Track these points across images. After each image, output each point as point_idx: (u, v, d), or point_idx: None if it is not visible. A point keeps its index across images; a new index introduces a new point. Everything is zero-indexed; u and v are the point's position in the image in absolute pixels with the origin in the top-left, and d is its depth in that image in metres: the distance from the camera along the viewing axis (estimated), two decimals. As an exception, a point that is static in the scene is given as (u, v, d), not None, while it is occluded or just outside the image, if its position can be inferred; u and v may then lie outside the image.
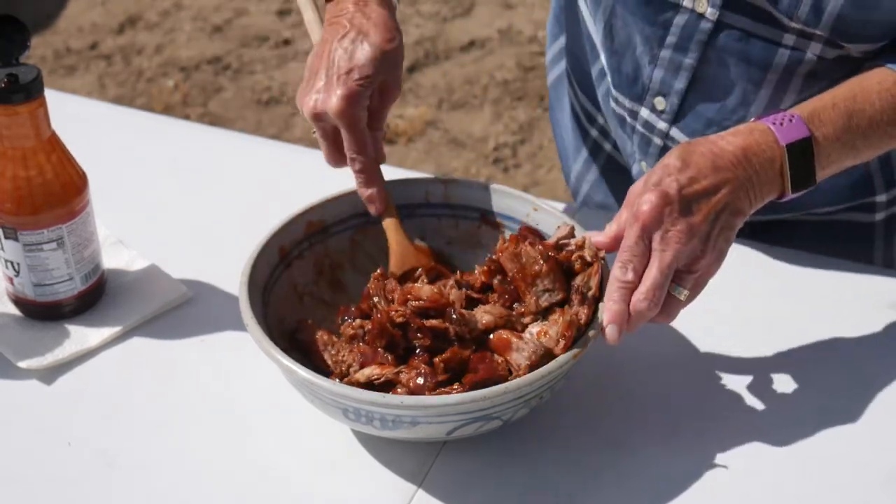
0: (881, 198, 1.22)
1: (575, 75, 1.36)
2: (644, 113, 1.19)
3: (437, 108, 3.09)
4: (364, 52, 1.04)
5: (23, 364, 1.06)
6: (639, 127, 1.21)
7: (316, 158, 1.41)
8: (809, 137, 0.99)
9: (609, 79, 1.23)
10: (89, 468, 0.98)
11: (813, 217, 1.24)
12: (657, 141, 1.20)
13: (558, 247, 1.01)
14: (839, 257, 1.21)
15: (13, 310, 1.12)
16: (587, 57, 1.29)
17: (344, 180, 1.10)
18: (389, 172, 1.29)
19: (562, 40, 1.41)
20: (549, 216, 1.06)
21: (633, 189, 0.98)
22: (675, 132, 1.18)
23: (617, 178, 1.36)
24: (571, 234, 1.02)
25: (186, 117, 3.02)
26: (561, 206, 1.24)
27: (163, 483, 0.97)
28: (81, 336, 1.09)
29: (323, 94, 1.03)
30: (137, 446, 1.00)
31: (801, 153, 0.99)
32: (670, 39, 1.13)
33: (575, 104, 1.39)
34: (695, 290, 0.97)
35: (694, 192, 0.95)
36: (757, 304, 1.13)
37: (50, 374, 1.07)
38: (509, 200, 1.09)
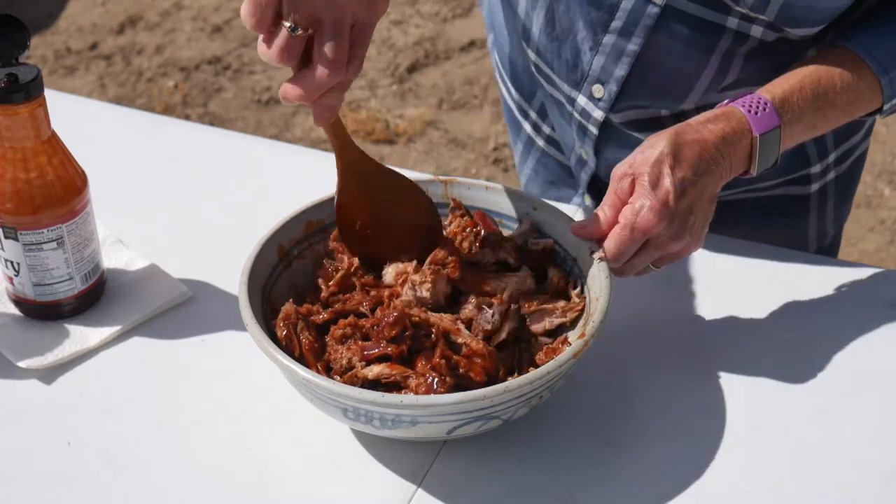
0: (815, 169, 1.25)
1: (505, 69, 1.35)
2: (581, 101, 1.20)
3: (437, 108, 3.09)
4: None
5: (23, 364, 1.06)
6: (576, 114, 1.22)
7: (316, 158, 1.41)
8: (780, 125, 1.03)
9: (547, 65, 1.22)
10: (89, 468, 0.98)
11: (753, 194, 1.26)
12: (592, 129, 1.21)
13: (524, 243, 1.06)
14: (777, 232, 1.25)
15: (13, 310, 1.12)
16: (516, 48, 1.29)
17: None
18: (389, 172, 1.29)
19: (491, 36, 1.40)
20: (550, 215, 1.06)
21: (617, 172, 1.00)
22: (612, 118, 1.19)
23: (551, 171, 1.37)
24: (534, 231, 1.04)
25: (186, 117, 3.02)
26: (561, 205, 1.24)
27: (163, 483, 0.97)
28: (81, 336, 1.09)
29: None
30: (137, 446, 1.00)
31: (771, 139, 1.03)
32: (615, 24, 1.12)
33: (507, 98, 1.39)
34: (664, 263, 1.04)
35: (688, 195, 0.98)
36: (757, 304, 1.13)
37: (50, 374, 1.07)
38: (509, 200, 1.09)
